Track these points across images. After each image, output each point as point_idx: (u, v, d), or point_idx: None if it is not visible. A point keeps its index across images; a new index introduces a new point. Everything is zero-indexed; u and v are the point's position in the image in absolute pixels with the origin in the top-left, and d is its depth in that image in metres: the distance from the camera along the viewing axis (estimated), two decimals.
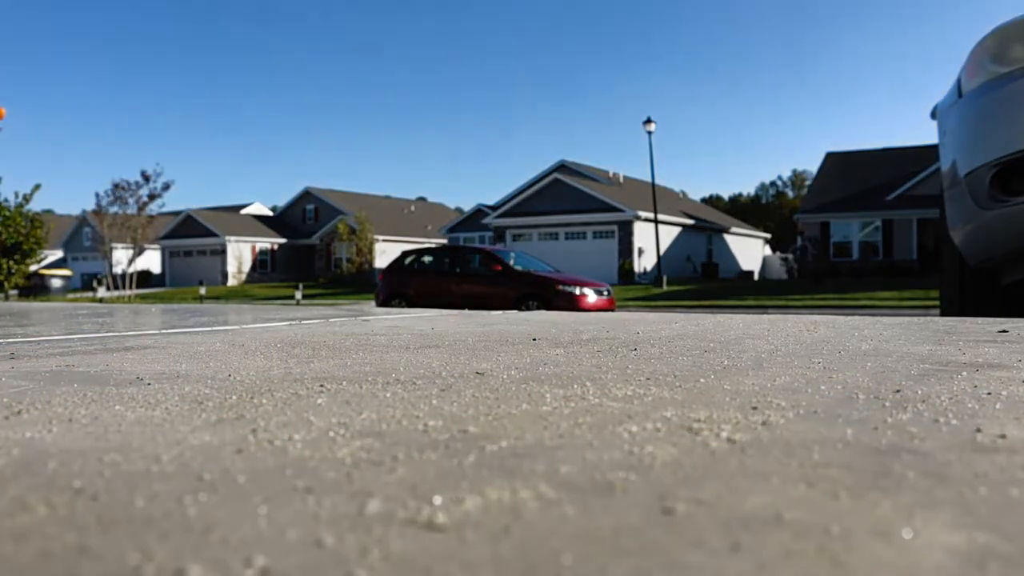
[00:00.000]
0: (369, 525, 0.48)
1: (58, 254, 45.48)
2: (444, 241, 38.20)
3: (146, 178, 23.77)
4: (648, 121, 27.96)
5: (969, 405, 0.85)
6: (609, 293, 12.25)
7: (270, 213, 53.55)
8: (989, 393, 0.92)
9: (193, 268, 42.92)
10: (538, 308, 10.20)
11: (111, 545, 0.45)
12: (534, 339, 1.62)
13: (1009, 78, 2.72)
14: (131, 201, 23.89)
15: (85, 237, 42.05)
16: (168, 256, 45.99)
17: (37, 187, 13.12)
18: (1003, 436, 0.70)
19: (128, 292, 22.48)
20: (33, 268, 15.16)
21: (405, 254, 13.79)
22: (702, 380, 1.05)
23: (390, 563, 0.42)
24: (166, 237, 44.33)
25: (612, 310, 12.17)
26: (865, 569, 0.41)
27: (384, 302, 12.43)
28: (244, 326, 2.13)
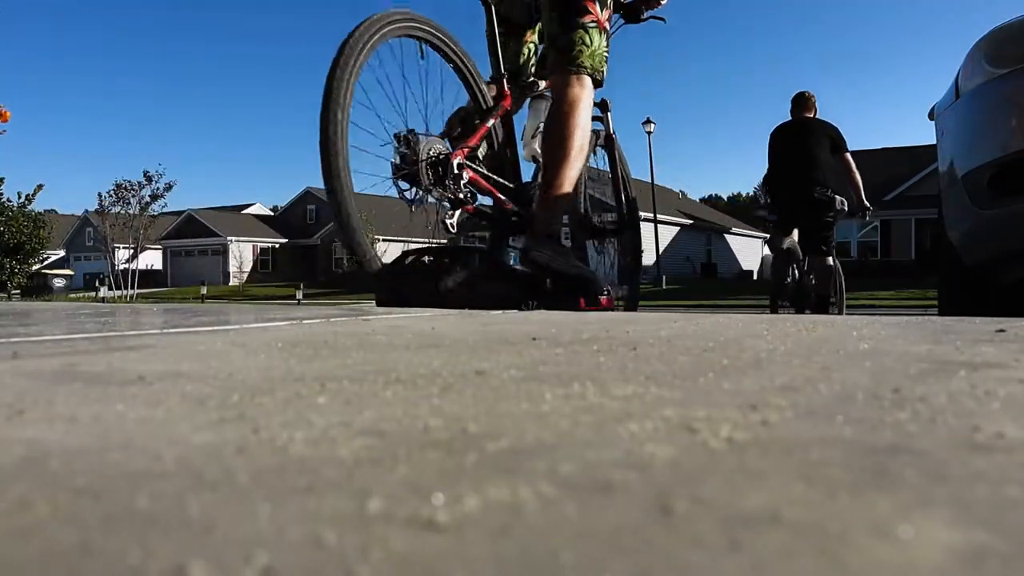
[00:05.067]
0: (370, 524, 0.48)
1: (60, 254, 45.49)
2: (444, 241, 38.14)
3: (148, 178, 23.84)
4: (647, 121, 27.91)
5: (967, 404, 0.85)
6: (609, 293, 12.25)
7: (271, 213, 53.53)
8: (987, 392, 0.92)
9: (195, 268, 42.98)
10: (538, 308, 10.21)
11: (113, 543, 0.45)
12: (534, 339, 1.62)
13: (1007, 79, 2.73)
14: (133, 201, 23.95)
15: (87, 237, 42.11)
16: (170, 256, 45.99)
17: (40, 187, 13.16)
18: (1001, 435, 0.70)
19: (130, 292, 22.46)
20: (35, 268, 15.16)
21: (405, 254, 13.81)
22: (701, 379, 1.05)
23: (390, 562, 0.42)
24: (168, 237, 44.36)
25: (611, 309, 12.16)
26: (863, 567, 0.41)
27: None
28: (245, 325, 2.13)
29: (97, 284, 26.04)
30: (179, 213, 42.96)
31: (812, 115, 5.35)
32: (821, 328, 1.85)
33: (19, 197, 12.87)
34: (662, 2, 2.79)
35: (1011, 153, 2.66)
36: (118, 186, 23.67)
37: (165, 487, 0.57)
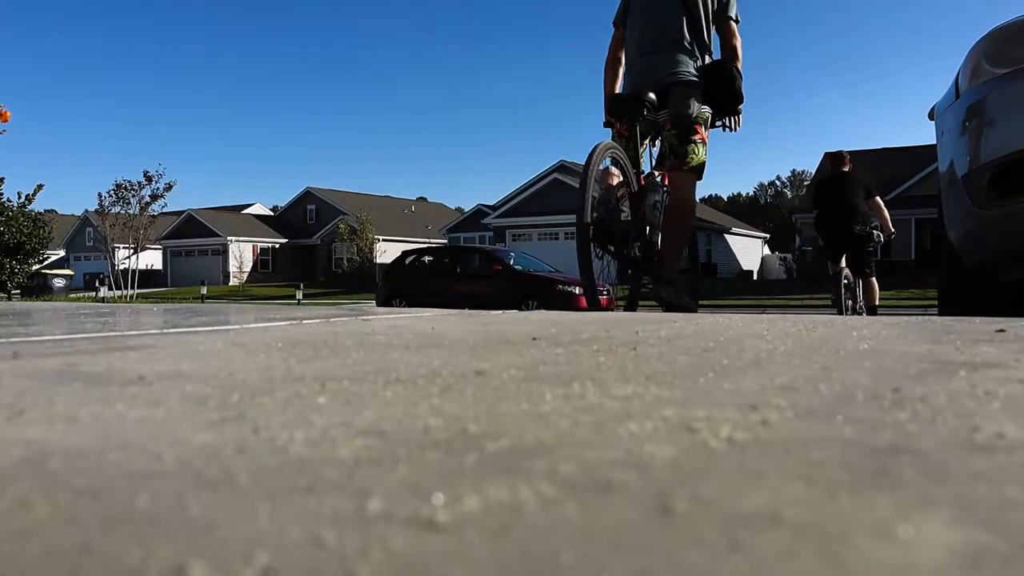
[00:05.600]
0: (369, 524, 0.48)
1: (60, 254, 45.39)
2: (444, 241, 38.15)
3: (148, 178, 23.80)
4: None
5: (967, 404, 0.85)
6: (609, 292, 12.24)
7: (271, 213, 53.51)
8: (987, 392, 0.92)
9: (195, 268, 42.97)
10: (538, 308, 10.19)
11: (113, 544, 0.45)
12: (534, 339, 1.62)
13: (1006, 79, 2.73)
14: (133, 201, 23.90)
15: (87, 237, 42.07)
16: (170, 256, 45.96)
17: (40, 187, 13.13)
18: (1001, 435, 0.70)
19: (130, 292, 22.47)
20: (35, 268, 15.15)
21: (405, 254, 13.83)
22: (701, 379, 1.05)
23: (390, 562, 0.42)
24: (168, 237, 44.31)
25: (611, 309, 12.15)
26: (863, 567, 0.41)
27: (384, 301, 12.43)
28: (245, 326, 2.13)
29: (97, 284, 26.03)
30: (179, 213, 42.92)
31: (848, 169, 6.95)
32: (821, 328, 1.85)
33: (19, 197, 12.84)
34: (738, 126, 4.02)
35: (1011, 153, 2.66)
36: (118, 186, 23.63)
37: (165, 487, 0.57)
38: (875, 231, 6.81)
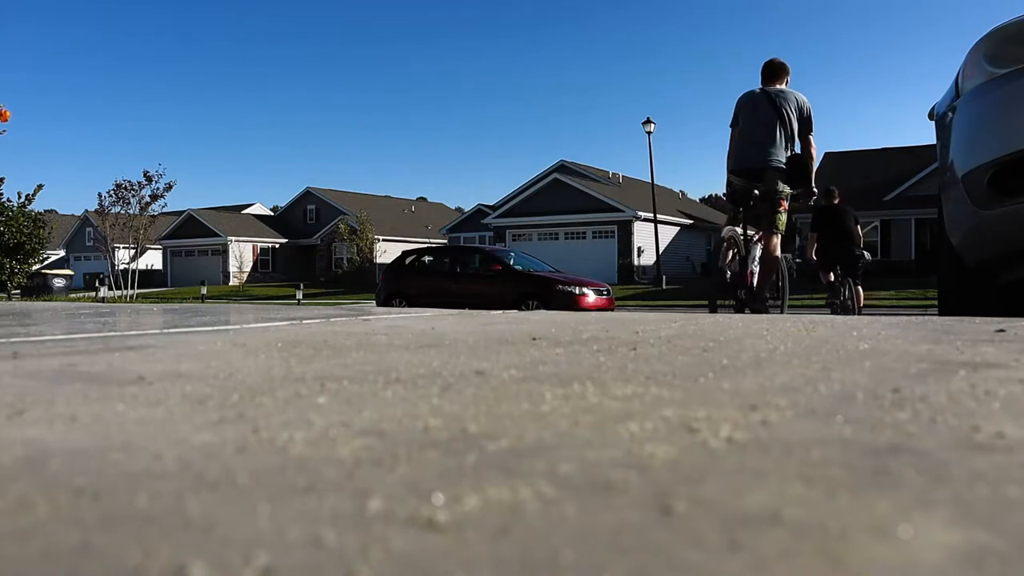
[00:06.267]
0: (369, 524, 0.48)
1: (60, 254, 45.31)
2: (444, 241, 38.14)
3: (148, 178, 23.75)
4: (648, 121, 27.92)
5: (967, 404, 0.85)
6: (608, 292, 12.24)
7: (271, 213, 53.45)
8: (987, 392, 0.92)
9: (195, 268, 42.97)
10: (538, 308, 10.20)
11: (113, 543, 0.45)
12: (534, 338, 1.62)
13: (1006, 79, 2.73)
14: (133, 201, 23.86)
15: (87, 237, 42.01)
16: (170, 256, 45.91)
17: (40, 187, 13.12)
18: (1001, 435, 0.70)
19: (130, 292, 22.46)
20: (35, 268, 15.16)
21: (405, 254, 13.82)
22: (701, 379, 1.05)
23: (390, 561, 0.42)
24: (168, 237, 44.25)
25: (612, 309, 12.14)
26: (863, 567, 0.41)
27: (384, 302, 12.43)
28: (245, 325, 2.13)
29: (97, 284, 26.05)
30: (179, 213, 42.91)
31: (838, 201, 8.89)
32: (821, 328, 1.85)
33: (19, 197, 12.83)
34: (811, 197, 5.38)
35: (1011, 153, 2.65)
36: (118, 186, 23.61)
37: (165, 487, 0.57)
38: (866, 252, 8.96)
